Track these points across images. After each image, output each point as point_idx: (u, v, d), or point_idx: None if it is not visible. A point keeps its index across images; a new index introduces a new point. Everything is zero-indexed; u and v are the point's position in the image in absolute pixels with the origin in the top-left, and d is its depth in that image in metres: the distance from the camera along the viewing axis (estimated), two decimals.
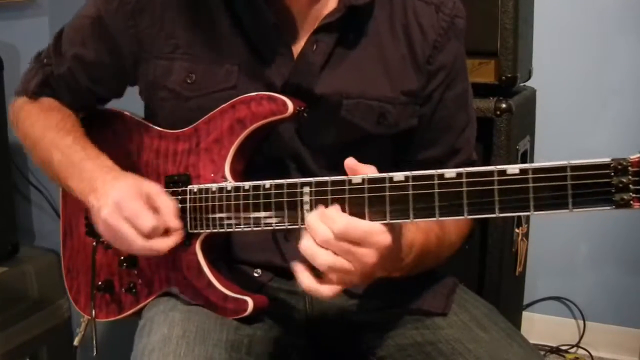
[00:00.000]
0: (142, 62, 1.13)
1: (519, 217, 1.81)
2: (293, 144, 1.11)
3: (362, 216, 0.90)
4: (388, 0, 1.13)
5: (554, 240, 2.23)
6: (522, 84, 1.82)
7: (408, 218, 0.88)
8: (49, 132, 1.16)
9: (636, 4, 2.07)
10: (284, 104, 1.02)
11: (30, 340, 2.03)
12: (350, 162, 0.92)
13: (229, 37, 1.09)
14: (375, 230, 0.88)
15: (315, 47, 1.08)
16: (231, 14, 1.09)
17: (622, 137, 2.10)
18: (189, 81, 1.09)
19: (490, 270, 1.71)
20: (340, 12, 1.07)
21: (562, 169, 0.80)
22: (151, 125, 1.16)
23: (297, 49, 1.09)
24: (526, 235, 1.87)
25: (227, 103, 1.06)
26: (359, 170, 0.91)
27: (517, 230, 1.80)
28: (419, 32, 1.12)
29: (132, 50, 1.13)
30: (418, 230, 1.03)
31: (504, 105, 1.64)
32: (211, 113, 1.08)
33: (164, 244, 1.03)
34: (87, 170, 1.09)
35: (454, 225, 1.13)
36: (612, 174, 0.77)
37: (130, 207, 1.01)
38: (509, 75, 1.66)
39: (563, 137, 2.12)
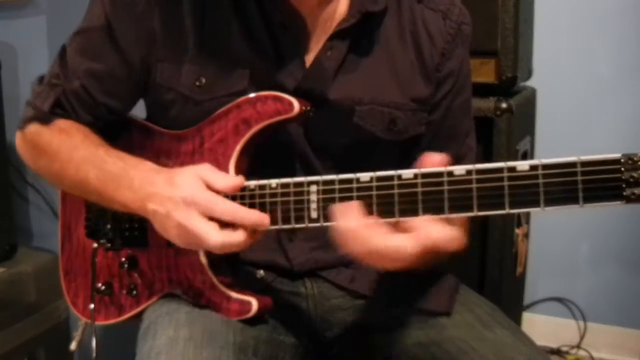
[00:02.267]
0: (151, 66, 1.10)
1: (519, 217, 1.81)
2: (300, 145, 1.11)
3: (370, 214, 0.89)
4: (397, 8, 1.13)
5: (554, 241, 2.24)
6: (522, 84, 1.82)
7: (417, 215, 0.88)
8: (77, 152, 1.08)
9: (636, 4, 2.07)
10: (290, 104, 1.01)
11: (28, 342, 2.02)
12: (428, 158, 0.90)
13: (239, 40, 1.08)
14: (408, 251, 0.86)
15: (329, 52, 1.08)
16: (241, 16, 1.08)
17: (623, 137, 2.10)
18: (198, 84, 1.08)
19: (490, 270, 1.71)
20: (355, 18, 1.07)
21: (572, 164, 0.81)
22: (153, 126, 1.15)
23: (308, 53, 1.09)
24: (526, 235, 1.87)
25: (232, 103, 1.05)
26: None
27: (517, 230, 1.80)
28: (427, 40, 1.13)
29: (142, 56, 1.09)
30: None
31: (504, 105, 1.64)
32: (215, 113, 1.06)
33: (239, 236, 0.96)
34: (136, 178, 1.02)
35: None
36: (623, 169, 0.78)
37: (202, 200, 0.96)
38: (509, 75, 1.66)
39: (563, 137, 2.12)
